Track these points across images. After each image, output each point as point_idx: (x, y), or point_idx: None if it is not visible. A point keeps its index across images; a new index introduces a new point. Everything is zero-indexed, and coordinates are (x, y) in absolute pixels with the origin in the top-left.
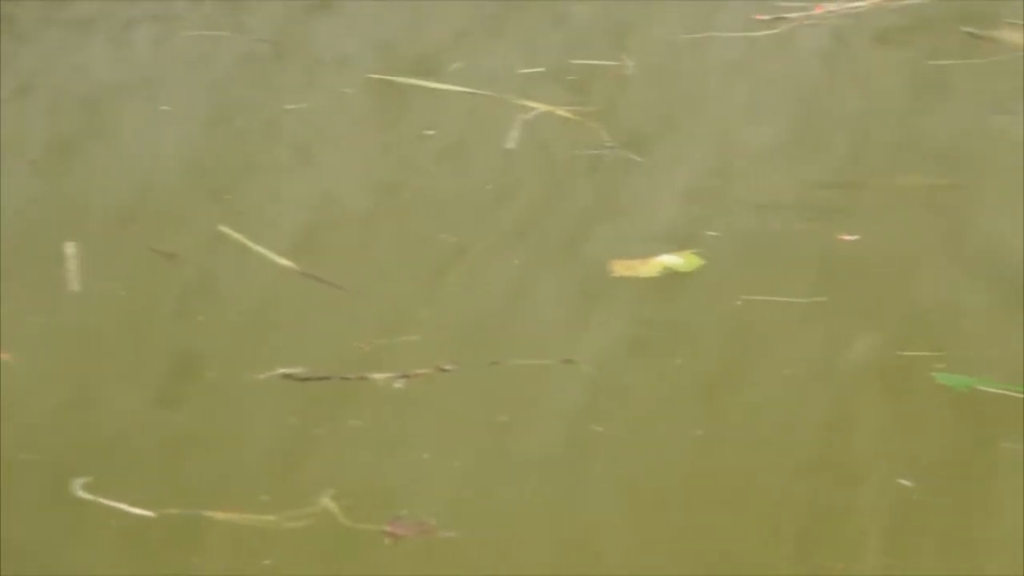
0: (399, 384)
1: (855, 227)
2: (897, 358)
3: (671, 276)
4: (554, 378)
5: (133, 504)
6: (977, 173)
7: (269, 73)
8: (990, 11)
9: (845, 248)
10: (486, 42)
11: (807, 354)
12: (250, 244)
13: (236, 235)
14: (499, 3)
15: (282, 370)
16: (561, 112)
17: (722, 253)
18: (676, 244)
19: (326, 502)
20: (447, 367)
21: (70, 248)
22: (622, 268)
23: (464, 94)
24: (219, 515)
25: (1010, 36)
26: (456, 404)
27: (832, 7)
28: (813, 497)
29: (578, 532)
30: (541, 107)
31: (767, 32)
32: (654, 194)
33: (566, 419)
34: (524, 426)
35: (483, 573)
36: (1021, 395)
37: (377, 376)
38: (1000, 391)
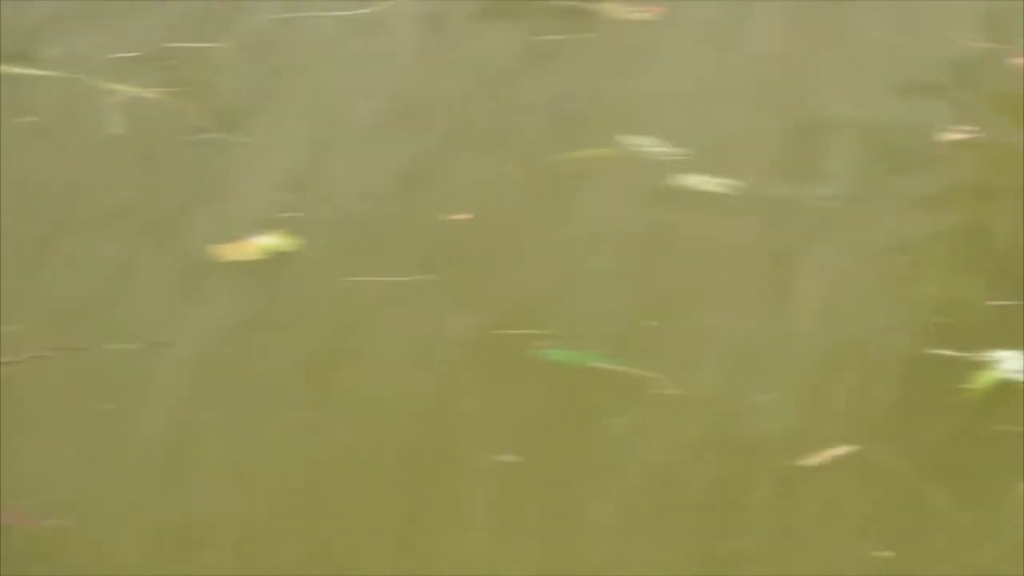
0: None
1: (465, 206)
2: (503, 336)
3: (273, 258)
4: (158, 364)
5: None
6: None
7: None
8: None
9: (454, 228)
10: (80, 27)
11: (413, 334)
12: None
13: None
14: None
15: None
16: (155, 95)
17: (324, 234)
18: (276, 226)
19: None
20: (45, 354)
21: None
22: (223, 251)
23: (60, 79)
24: None
25: (612, 8)
26: (57, 392)
27: None
28: (419, 475)
29: (185, 520)
30: (136, 91)
31: (367, 10)
32: (253, 176)
33: (172, 405)
34: (129, 413)
35: (91, 562)
36: (630, 370)
37: None
38: (611, 366)
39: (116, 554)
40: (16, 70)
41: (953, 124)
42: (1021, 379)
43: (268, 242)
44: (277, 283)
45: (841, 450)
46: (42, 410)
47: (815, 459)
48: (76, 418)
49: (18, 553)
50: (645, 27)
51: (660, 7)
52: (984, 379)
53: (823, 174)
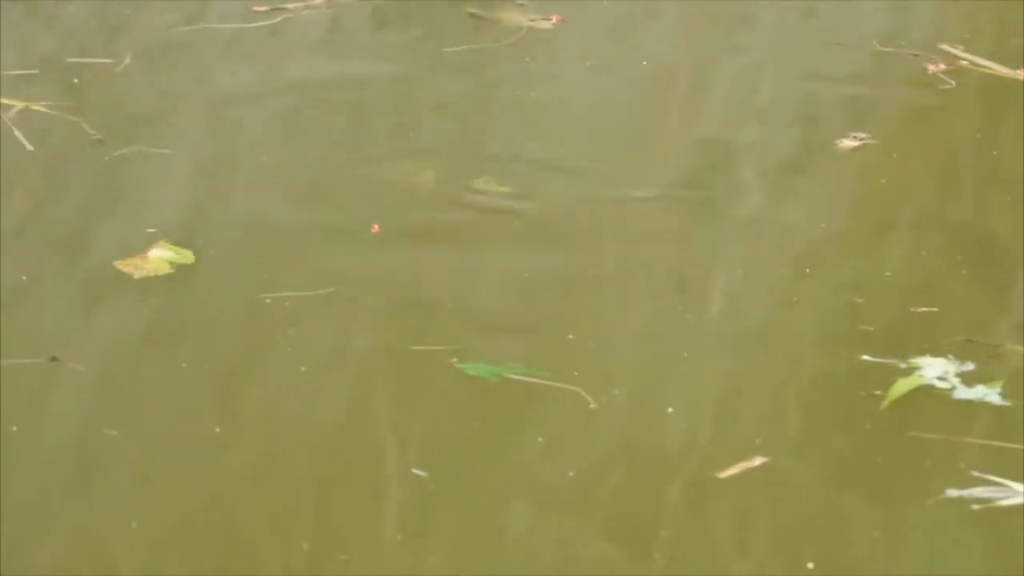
0: None
1: (368, 217)
2: (413, 350)
3: (176, 271)
4: (59, 379)
5: None
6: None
7: None
8: None
9: (359, 240)
10: None
11: (320, 346)
12: None
13: None
14: None
15: None
16: (53, 110)
17: (228, 246)
18: (178, 239)
19: None
20: None
21: None
22: (125, 265)
23: None
24: None
25: (511, 17)
26: None
27: None
28: (329, 488)
29: (94, 539)
30: (34, 106)
31: (264, 23)
32: (153, 188)
33: (74, 422)
34: (31, 429)
35: None
36: (545, 381)
37: None
38: (527, 378)
39: (22, 572)
40: None
41: (855, 130)
42: (938, 386)
43: (170, 255)
44: (180, 296)
45: (755, 461)
46: None
47: (729, 471)
48: None
49: None
50: (544, 35)
51: (558, 15)
52: (901, 386)
53: (726, 182)
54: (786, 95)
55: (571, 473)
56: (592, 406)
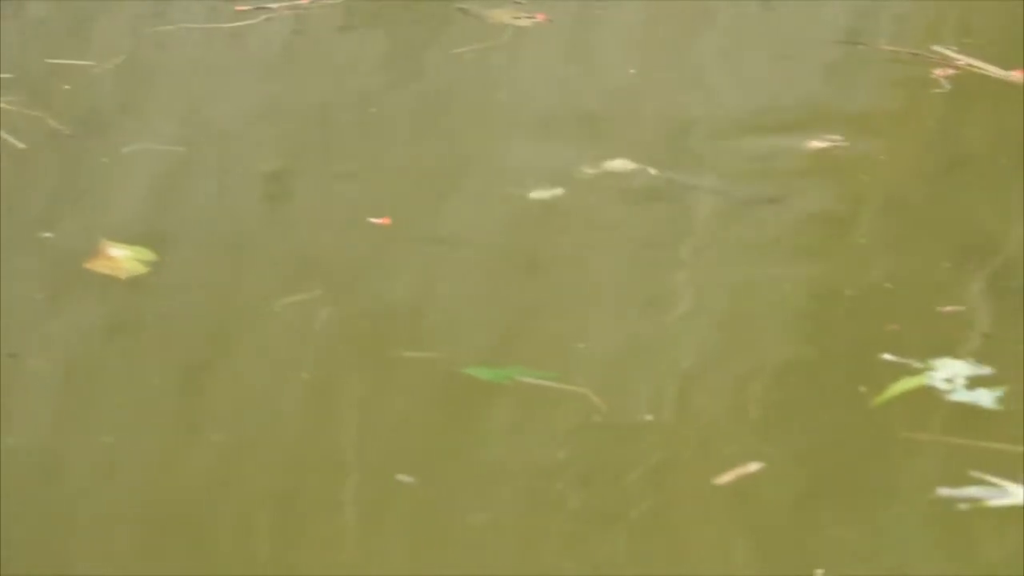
0: None
1: (336, 217)
2: (379, 345)
3: (142, 269)
4: (20, 375)
5: None
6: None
7: None
8: None
9: (330, 239)
10: None
11: (291, 346)
12: None
13: None
14: None
15: None
16: (18, 108)
17: (193, 245)
18: (144, 236)
19: None
20: None
21: None
22: (88, 262)
23: None
24: None
25: (499, 14)
26: None
27: None
28: (298, 493)
29: (56, 532)
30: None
31: (243, 23)
32: (119, 186)
33: (36, 416)
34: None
35: None
36: (555, 383)
37: None
38: (537, 381)
39: None
40: None
41: (820, 132)
42: (939, 387)
43: (134, 253)
44: (144, 294)
45: (752, 467)
46: None
47: (727, 476)
48: None
49: None
50: (525, 34)
51: (543, 14)
52: (899, 386)
53: (697, 182)
54: (760, 94)
55: (573, 479)
56: (601, 410)
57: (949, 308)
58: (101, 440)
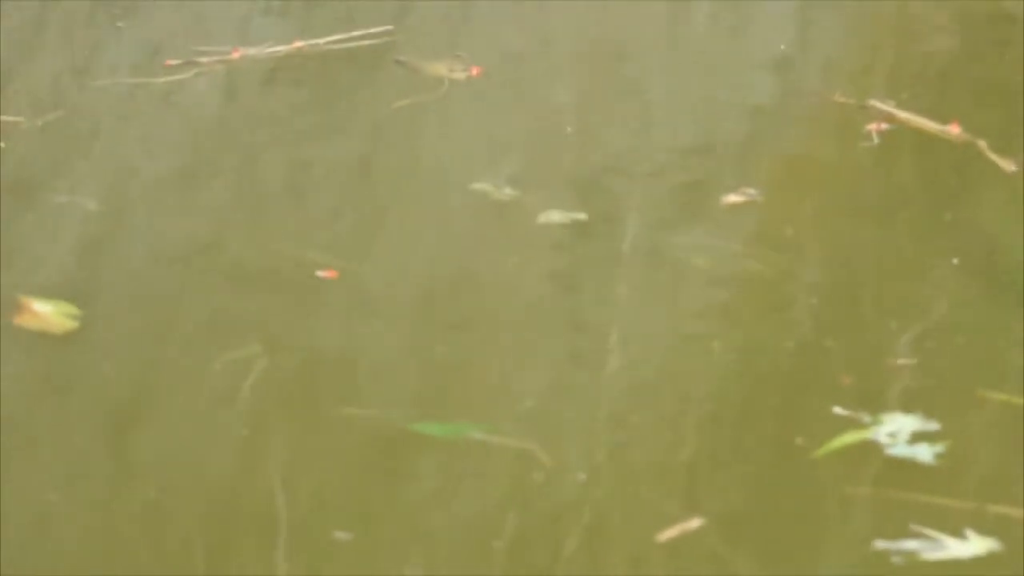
0: None
1: (267, 268)
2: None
3: (75, 324)
4: None
5: None
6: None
7: None
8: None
9: (262, 290)
10: None
11: (228, 402)
12: None
13: None
14: None
15: None
16: None
17: (120, 300)
18: (68, 291)
19: None
20: None
21: None
22: (12, 318)
23: None
24: None
25: (435, 68)
26: None
27: (251, 51)
28: (234, 549)
29: None
30: None
31: (173, 78)
32: (43, 243)
33: None
34: None
35: None
36: (505, 440)
37: None
38: (487, 436)
39: None
40: None
41: (736, 185)
42: (880, 441)
43: (59, 309)
44: (69, 350)
45: (694, 523)
46: None
47: (670, 533)
48: None
49: None
50: (460, 87)
51: (478, 67)
52: (839, 441)
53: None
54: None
55: (496, 543)
56: (546, 464)
57: (901, 361)
58: (38, 494)
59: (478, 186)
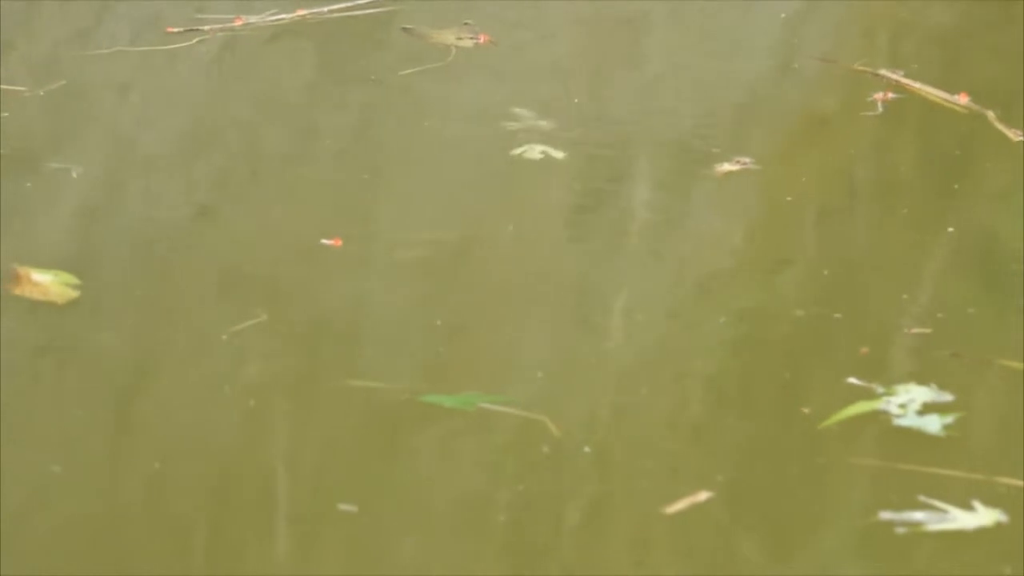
0: None
1: (272, 238)
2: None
3: (75, 293)
4: None
5: None
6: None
7: None
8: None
9: (265, 261)
10: None
11: (236, 372)
12: None
13: None
14: None
15: None
16: None
17: (121, 269)
18: (68, 261)
19: None
20: None
21: None
22: (11, 286)
23: None
24: None
25: (442, 35)
26: None
27: (252, 19)
28: (229, 520)
29: None
30: None
31: (175, 45)
32: (47, 212)
33: None
34: None
35: None
36: (516, 411)
37: None
38: (497, 408)
39: None
40: None
41: (738, 153)
42: (890, 412)
43: (58, 277)
44: (69, 320)
45: (702, 496)
46: None
47: (678, 506)
48: None
49: None
50: (467, 54)
51: (486, 35)
52: (847, 411)
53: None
54: (684, 114)
55: (501, 517)
56: (554, 434)
57: (916, 330)
58: (39, 466)
59: (485, 153)
